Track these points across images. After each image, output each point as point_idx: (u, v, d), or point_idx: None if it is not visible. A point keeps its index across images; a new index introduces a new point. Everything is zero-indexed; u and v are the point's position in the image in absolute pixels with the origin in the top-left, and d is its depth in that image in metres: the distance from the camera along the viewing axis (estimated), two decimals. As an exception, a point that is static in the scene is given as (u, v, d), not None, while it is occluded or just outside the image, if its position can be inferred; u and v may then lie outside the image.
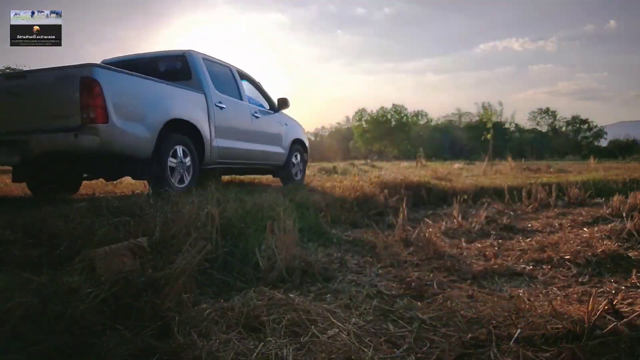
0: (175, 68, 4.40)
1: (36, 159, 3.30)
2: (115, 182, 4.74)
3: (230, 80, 4.77)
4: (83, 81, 3.08)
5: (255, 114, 4.98)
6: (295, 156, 5.85)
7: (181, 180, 3.82)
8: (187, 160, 3.87)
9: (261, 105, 5.30)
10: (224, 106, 4.37)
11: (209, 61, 4.52)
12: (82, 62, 3.22)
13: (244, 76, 5.15)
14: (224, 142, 4.34)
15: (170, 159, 3.69)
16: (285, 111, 5.73)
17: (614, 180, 6.19)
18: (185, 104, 3.93)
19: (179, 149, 3.78)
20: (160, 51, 4.72)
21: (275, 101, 5.53)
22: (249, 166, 5.10)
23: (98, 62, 3.81)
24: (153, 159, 3.54)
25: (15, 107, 3.30)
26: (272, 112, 5.44)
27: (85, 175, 3.97)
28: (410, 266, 2.63)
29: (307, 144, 6.22)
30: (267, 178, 6.41)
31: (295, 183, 5.51)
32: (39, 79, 3.33)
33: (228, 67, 4.85)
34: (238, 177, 6.25)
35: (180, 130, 3.80)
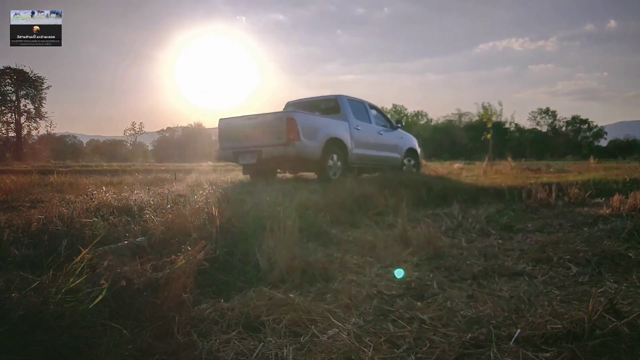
0: (331, 106, 7.16)
1: (264, 160, 6.08)
2: (116, 182, 4.74)
3: (363, 110, 7.43)
4: (287, 120, 5.89)
5: (380, 132, 7.62)
6: (409, 160, 8.37)
7: (334, 174, 6.41)
8: (338, 161, 6.53)
9: (384, 125, 7.92)
10: (360, 128, 7.04)
11: (351, 99, 7.24)
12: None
13: (373, 107, 7.83)
14: (359, 150, 6.96)
15: (329, 161, 6.37)
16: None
17: (614, 180, 6.19)
18: (337, 128, 6.60)
19: (334, 155, 6.44)
20: (321, 95, 7.55)
21: (394, 122, 8.29)
22: (376, 165, 7.60)
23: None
24: (320, 160, 6.19)
25: (255, 133, 6.18)
26: (392, 129, 8.05)
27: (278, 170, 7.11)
28: (410, 266, 2.63)
29: (418, 151, 8.64)
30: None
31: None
32: (265, 119, 6.20)
33: (362, 102, 7.54)
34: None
35: (335, 144, 6.46)
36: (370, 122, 7.39)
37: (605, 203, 4.59)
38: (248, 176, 6.97)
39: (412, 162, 8.38)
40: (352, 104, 7.11)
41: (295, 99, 8.02)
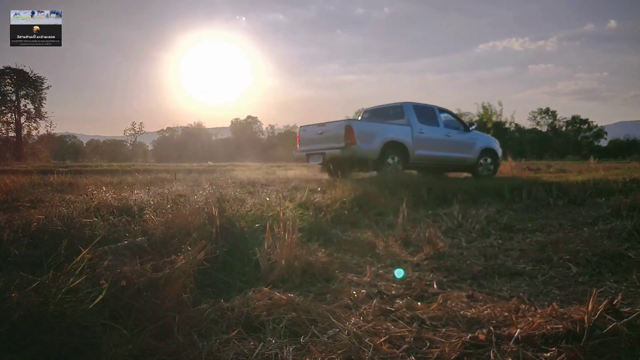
0: (397, 112, 8.00)
1: (328, 161, 7.33)
2: (117, 182, 4.74)
3: (431, 114, 8.09)
4: (346, 127, 7.04)
5: (448, 134, 8.18)
6: (485, 159, 8.73)
7: (393, 172, 7.24)
8: (398, 161, 7.47)
9: (456, 128, 8.46)
10: (423, 132, 7.77)
11: (417, 105, 8.01)
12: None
13: (443, 111, 8.45)
14: (422, 151, 7.69)
15: (389, 161, 7.32)
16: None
17: (614, 180, 6.18)
18: (397, 132, 7.54)
19: (394, 156, 7.38)
20: (388, 103, 8.40)
21: (468, 124, 8.95)
22: (442, 165, 8.31)
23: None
24: (378, 160, 7.17)
25: (322, 138, 7.46)
26: (464, 131, 8.54)
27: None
28: (410, 266, 2.63)
29: (498, 152, 8.96)
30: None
31: (481, 177, 8.30)
32: (330, 126, 7.39)
33: (431, 107, 8.22)
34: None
35: (395, 146, 7.41)
36: (438, 125, 8.12)
37: (605, 203, 4.60)
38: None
39: (489, 160, 8.82)
40: (417, 110, 7.92)
41: (367, 106, 9.30)
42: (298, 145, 8.14)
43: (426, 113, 8.03)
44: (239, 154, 43.26)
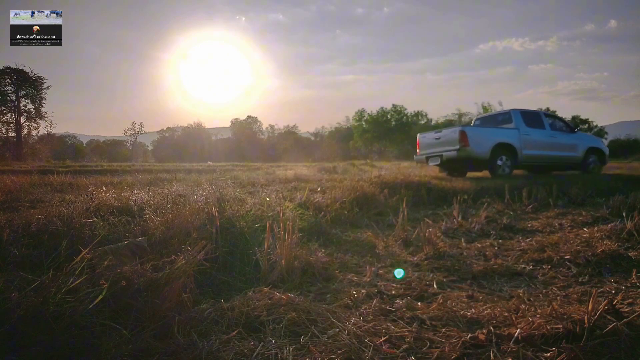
0: (505, 118, 9.19)
1: (445, 161, 8.53)
2: (118, 182, 4.74)
3: (537, 118, 9.18)
4: (460, 132, 8.22)
5: (554, 136, 9.15)
6: (592, 157, 9.66)
7: (503, 171, 8.46)
8: (507, 161, 8.54)
9: (562, 130, 9.50)
10: (529, 134, 8.82)
11: (523, 111, 9.14)
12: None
13: (549, 115, 9.69)
14: (529, 152, 8.75)
15: (499, 161, 8.47)
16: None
17: (614, 180, 6.18)
18: (506, 135, 8.61)
19: (503, 157, 8.49)
20: (499, 111, 10.28)
21: (573, 126, 10.03)
22: (549, 163, 9.27)
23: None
24: (489, 161, 8.36)
25: (439, 142, 8.67)
26: (570, 132, 9.60)
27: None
28: (410, 266, 2.63)
29: (604, 150, 9.93)
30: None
31: (587, 173, 9.23)
32: (446, 132, 8.65)
33: (537, 112, 9.54)
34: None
35: (504, 147, 8.51)
36: (544, 128, 9.13)
37: (605, 203, 4.60)
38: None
39: (595, 158, 9.76)
40: (523, 115, 9.07)
41: (472, 114, 11.49)
42: (418, 150, 9.55)
43: (532, 117, 9.15)
44: (239, 154, 43.27)
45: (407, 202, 3.76)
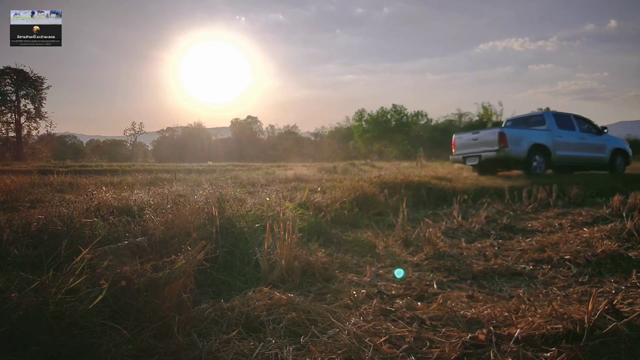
0: (538, 120, 9.73)
1: (484, 162, 8.93)
2: (118, 181, 4.74)
3: (568, 121, 9.65)
4: (499, 133, 8.64)
5: (583, 137, 9.62)
6: (617, 158, 10.14)
7: (538, 170, 8.89)
8: (542, 161, 8.96)
9: (590, 132, 9.92)
10: (562, 136, 9.31)
11: (556, 114, 9.66)
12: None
13: (579, 117, 9.96)
14: (562, 152, 9.21)
15: (534, 161, 8.85)
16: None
17: (614, 180, 6.18)
18: (541, 137, 9.03)
19: (537, 157, 8.89)
20: (531, 112, 10.60)
21: (600, 128, 10.39)
22: (579, 163, 9.72)
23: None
24: (525, 161, 8.74)
25: (477, 143, 9.13)
26: (597, 134, 10.01)
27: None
28: (410, 266, 2.63)
29: (628, 152, 10.47)
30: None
31: (614, 173, 9.87)
32: (484, 133, 9.20)
33: (568, 115, 9.79)
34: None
35: (539, 148, 8.92)
36: (574, 130, 9.60)
37: (605, 203, 4.60)
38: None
39: (621, 159, 10.31)
40: (556, 117, 9.55)
41: (512, 115, 11.59)
42: (453, 150, 9.97)
43: (563, 120, 9.61)
44: (239, 154, 43.25)
45: (407, 202, 3.76)
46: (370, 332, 1.55)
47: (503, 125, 10.79)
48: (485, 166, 9.33)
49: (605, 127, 10.46)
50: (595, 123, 10.49)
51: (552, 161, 9.15)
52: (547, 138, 9.08)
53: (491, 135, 8.83)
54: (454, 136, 10.17)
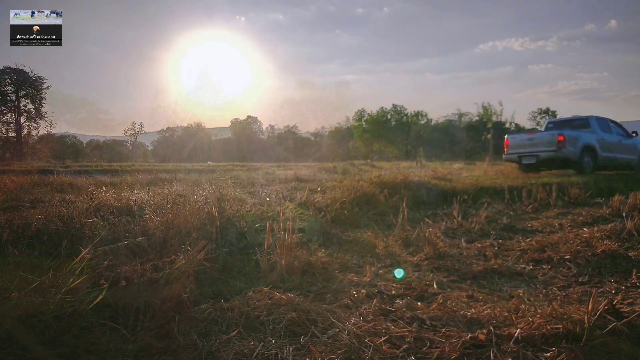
0: (582, 123, 10.33)
1: (541, 161, 9.65)
2: (117, 182, 4.74)
3: (606, 125, 10.43)
4: (558, 135, 9.38)
5: (619, 140, 10.40)
6: None
7: (587, 169, 9.41)
8: (590, 161, 9.54)
9: (622, 135, 10.67)
10: (604, 138, 10.00)
11: (597, 118, 10.34)
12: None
13: (613, 122, 10.73)
14: (605, 154, 9.86)
15: (584, 161, 9.42)
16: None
17: (614, 180, 6.18)
18: (590, 138, 9.71)
19: (587, 157, 9.52)
20: (575, 116, 11.07)
21: (630, 132, 11.16)
22: (617, 164, 10.30)
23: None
24: (578, 160, 9.35)
25: (534, 143, 9.85)
26: (628, 137, 10.79)
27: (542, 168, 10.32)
28: (410, 266, 2.63)
29: None
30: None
31: None
32: (542, 135, 9.95)
33: (605, 119, 10.57)
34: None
35: (588, 149, 9.57)
36: (612, 133, 10.39)
37: (605, 203, 4.60)
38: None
39: None
40: (598, 121, 10.27)
41: (554, 118, 12.98)
42: (506, 149, 10.47)
43: (603, 123, 10.37)
44: (239, 154, 43.24)
45: (407, 202, 3.76)
46: (370, 332, 1.55)
47: (544, 128, 11.46)
48: (542, 165, 9.95)
49: (635, 132, 11.19)
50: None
51: (598, 162, 9.74)
52: (594, 140, 9.81)
53: (550, 137, 9.55)
54: (506, 136, 10.69)
